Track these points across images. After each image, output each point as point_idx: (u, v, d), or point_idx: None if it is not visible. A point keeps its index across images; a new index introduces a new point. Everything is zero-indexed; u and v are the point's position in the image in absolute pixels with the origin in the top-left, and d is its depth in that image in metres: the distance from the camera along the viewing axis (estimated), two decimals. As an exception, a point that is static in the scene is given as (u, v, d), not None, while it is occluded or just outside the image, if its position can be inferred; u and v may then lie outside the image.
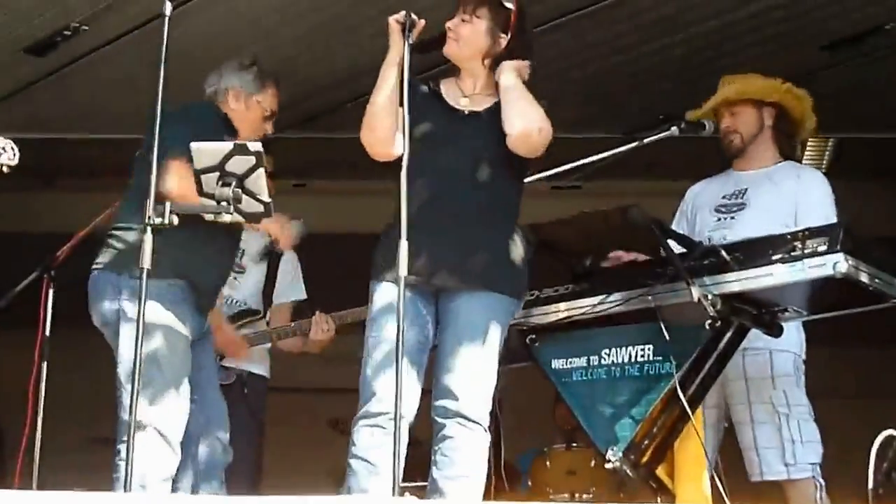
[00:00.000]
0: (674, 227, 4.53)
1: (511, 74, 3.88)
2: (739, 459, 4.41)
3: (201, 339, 4.19)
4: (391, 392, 3.43)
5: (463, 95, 3.99)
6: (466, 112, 3.95)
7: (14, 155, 3.73)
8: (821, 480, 4.31)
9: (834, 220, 4.33)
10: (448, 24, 3.92)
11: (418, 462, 3.78)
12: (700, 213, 4.66)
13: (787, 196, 4.48)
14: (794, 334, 4.28)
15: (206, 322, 4.24)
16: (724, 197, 4.61)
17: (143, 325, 3.43)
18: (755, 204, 4.52)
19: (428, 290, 3.80)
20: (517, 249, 3.90)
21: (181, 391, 3.96)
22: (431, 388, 3.75)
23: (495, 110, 3.91)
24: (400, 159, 3.63)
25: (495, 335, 3.77)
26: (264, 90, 4.40)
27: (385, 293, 3.73)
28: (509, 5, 3.92)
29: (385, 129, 3.82)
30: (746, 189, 4.57)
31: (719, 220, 4.56)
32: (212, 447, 4.20)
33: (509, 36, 3.93)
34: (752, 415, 4.37)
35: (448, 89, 4.00)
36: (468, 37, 3.92)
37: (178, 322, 4.00)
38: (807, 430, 4.33)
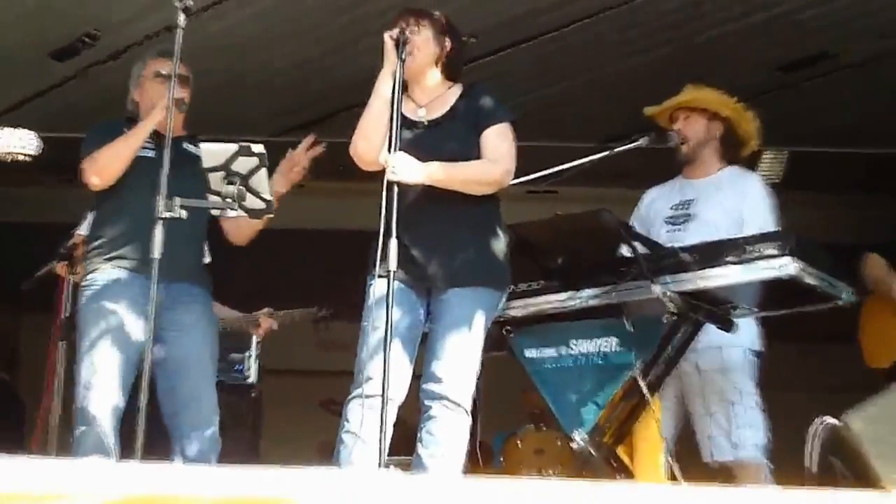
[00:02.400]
0: (631, 228, 4.67)
1: (432, 176, 3.90)
2: (693, 444, 4.56)
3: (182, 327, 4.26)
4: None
5: (419, 106, 4.10)
6: (426, 122, 4.08)
7: (36, 147, 3.70)
8: (767, 463, 4.45)
9: (773, 222, 4.54)
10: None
11: (403, 439, 3.93)
12: (653, 224, 4.79)
13: (731, 206, 4.64)
14: (745, 330, 4.40)
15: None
16: (671, 207, 4.77)
17: (154, 308, 3.63)
18: (701, 216, 4.67)
19: (420, 287, 4.00)
20: (499, 244, 4.05)
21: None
22: (421, 374, 3.91)
23: (452, 115, 4.06)
24: (384, 169, 3.80)
25: (480, 326, 3.93)
26: (145, 67, 4.45)
27: (380, 287, 3.84)
28: (437, 14, 4.11)
29: (379, 138, 3.93)
30: (693, 200, 4.74)
31: (669, 231, 4.70)
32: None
33: (449, 39, 4.10)
34: (705, 405, 4.53)
35: (403, 103, 3.99)
36: (422, 44, 4.02)
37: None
38: (753, 415, 4.48)
